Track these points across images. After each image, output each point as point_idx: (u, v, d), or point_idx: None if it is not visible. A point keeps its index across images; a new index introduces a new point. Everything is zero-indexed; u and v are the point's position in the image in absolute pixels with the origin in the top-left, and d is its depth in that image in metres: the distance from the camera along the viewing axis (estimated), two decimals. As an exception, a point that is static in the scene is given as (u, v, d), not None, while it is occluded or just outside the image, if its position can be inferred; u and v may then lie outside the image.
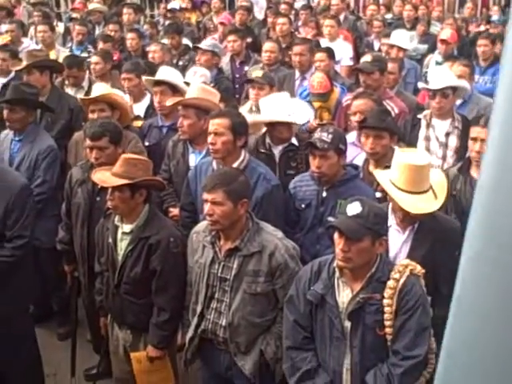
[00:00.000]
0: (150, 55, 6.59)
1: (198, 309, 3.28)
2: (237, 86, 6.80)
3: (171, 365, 3.58)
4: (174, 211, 4.17)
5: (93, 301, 3.91)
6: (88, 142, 3.84)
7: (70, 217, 4.09)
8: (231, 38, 7.03)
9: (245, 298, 3.15)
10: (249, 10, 9.21)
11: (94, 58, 6.15)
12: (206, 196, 3.15)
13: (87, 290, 4.07)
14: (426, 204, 3.24)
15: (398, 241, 3.36)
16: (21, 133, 4.56)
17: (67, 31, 8.85)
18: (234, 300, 3.17)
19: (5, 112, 4.51)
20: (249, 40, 8.60)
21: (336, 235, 2.80)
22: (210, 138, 3.74)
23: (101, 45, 7.04)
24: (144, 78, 5.23)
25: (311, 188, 3.81)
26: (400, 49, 6.68)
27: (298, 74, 6.07)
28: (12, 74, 6.14)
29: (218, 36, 8.40)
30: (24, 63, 5.40)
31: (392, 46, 6.74)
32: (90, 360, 4.40)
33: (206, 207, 3.14)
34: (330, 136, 3.66)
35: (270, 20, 8.91)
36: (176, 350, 3.69)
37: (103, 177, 3.46)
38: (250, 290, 3.15)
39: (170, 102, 4.51)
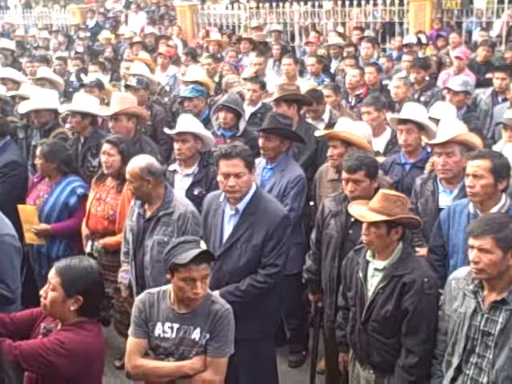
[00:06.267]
0: (393, 90, 6.50)
1: (455, 361, 3.09)
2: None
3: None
4: (421, 251, 4.02)
5: (334, 333, 3.91)
6: (344, 175, 3.88)
7: (319, 247, 4.15)
8: (500, 75, 6.72)
9: (511, 356, 2.90)
10: (493, 45, 8.79)
11: (325, 91, 6.26)
12: (472, 242, 2.99)
13: (330, 321, 4.07)
14: None
15: None
16: (273, 161, 4.77)
17: (302, 64, 9.19)
18: (498, 357, 2.93)
19: (260, 140, 4.76)
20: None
21: None
22: (467, 181, 3.57)
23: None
24: (389, 116, 5.15)
25: None
26: None
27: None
28: (259, 105, 6.49)
29: (452, 70, 8.11)
30: (275, 95, 5.65)
31: None
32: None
33: (472, 254, 2.97)
34: None
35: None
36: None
37: (361, 211, 3.47)
38: (517, 349, 2.90)
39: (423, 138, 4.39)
